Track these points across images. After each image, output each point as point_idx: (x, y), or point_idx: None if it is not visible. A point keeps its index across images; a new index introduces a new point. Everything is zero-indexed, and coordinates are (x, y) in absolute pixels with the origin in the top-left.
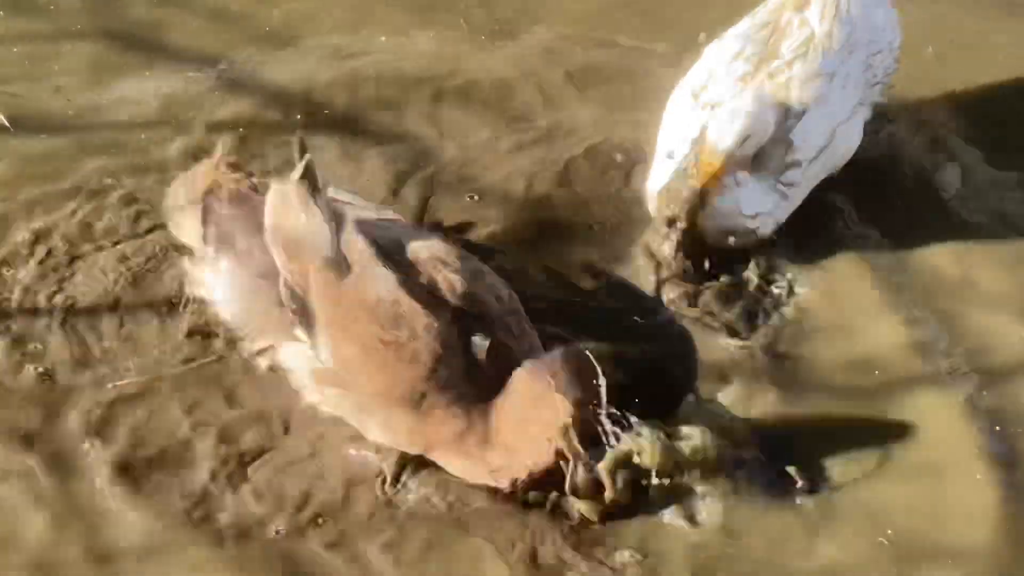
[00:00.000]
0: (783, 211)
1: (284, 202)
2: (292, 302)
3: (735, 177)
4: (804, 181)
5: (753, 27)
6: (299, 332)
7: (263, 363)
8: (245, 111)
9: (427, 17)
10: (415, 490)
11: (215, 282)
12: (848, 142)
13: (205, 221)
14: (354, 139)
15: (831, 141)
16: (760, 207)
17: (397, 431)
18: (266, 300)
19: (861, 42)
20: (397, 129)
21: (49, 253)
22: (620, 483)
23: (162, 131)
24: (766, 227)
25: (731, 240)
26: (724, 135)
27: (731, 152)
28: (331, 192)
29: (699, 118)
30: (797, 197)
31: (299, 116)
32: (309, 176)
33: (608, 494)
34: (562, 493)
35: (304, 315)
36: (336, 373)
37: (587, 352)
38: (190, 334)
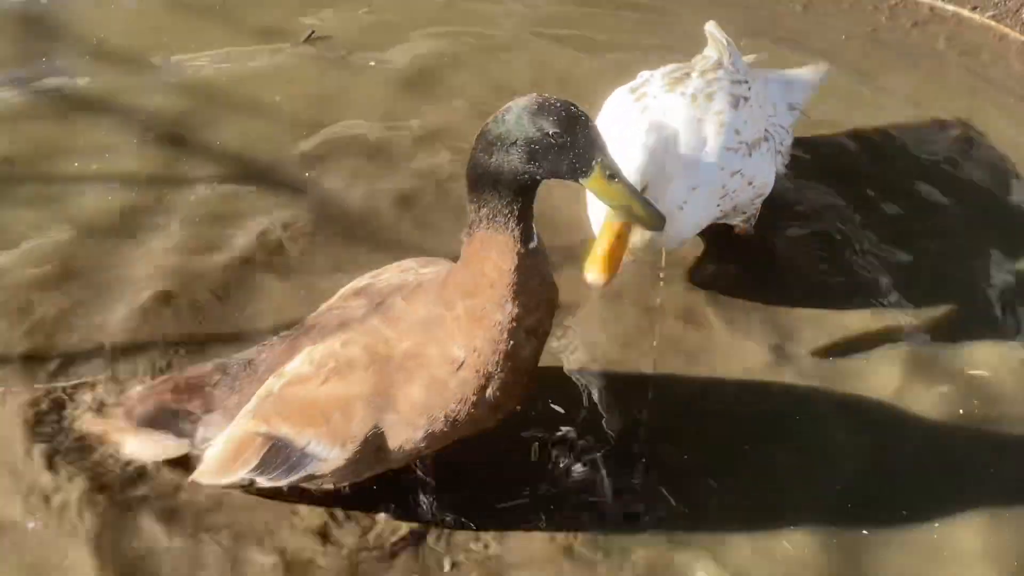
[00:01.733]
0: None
1: None
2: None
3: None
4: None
5: (673, 66)
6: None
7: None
8: None
9: None
10: None
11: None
12: (769, 169)
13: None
14: None
15: (759, 148)
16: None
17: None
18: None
19: (761, 83)
20: None
21: None
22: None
23: None
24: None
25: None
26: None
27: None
28: None
29: (634, 109)
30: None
31: None
32: None
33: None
34: None
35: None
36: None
37: None
38: None
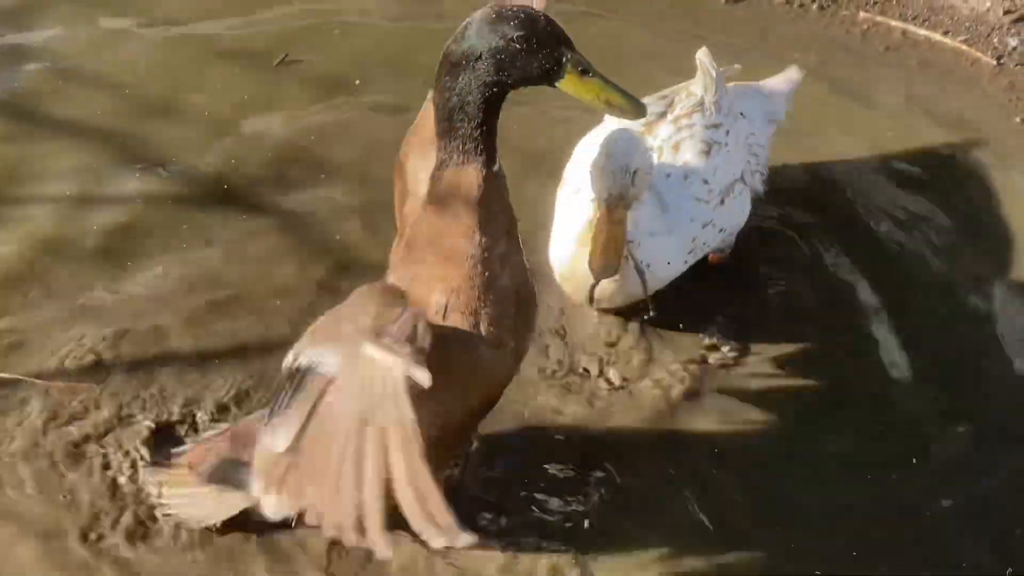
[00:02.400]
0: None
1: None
2: None
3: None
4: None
5: (650, 98)
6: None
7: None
8: None
9: None
10: None
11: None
12: (742, 209)
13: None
14: None
15: (732, 193)
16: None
17: None
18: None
19: (742, 121)
20: None
21: None
22: None
23: None
24: (661, 276)
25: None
26: (614, 178)
27: (625, 186)
28: None
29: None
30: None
31: None
32: None
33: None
34: None
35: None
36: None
37: None
38: None
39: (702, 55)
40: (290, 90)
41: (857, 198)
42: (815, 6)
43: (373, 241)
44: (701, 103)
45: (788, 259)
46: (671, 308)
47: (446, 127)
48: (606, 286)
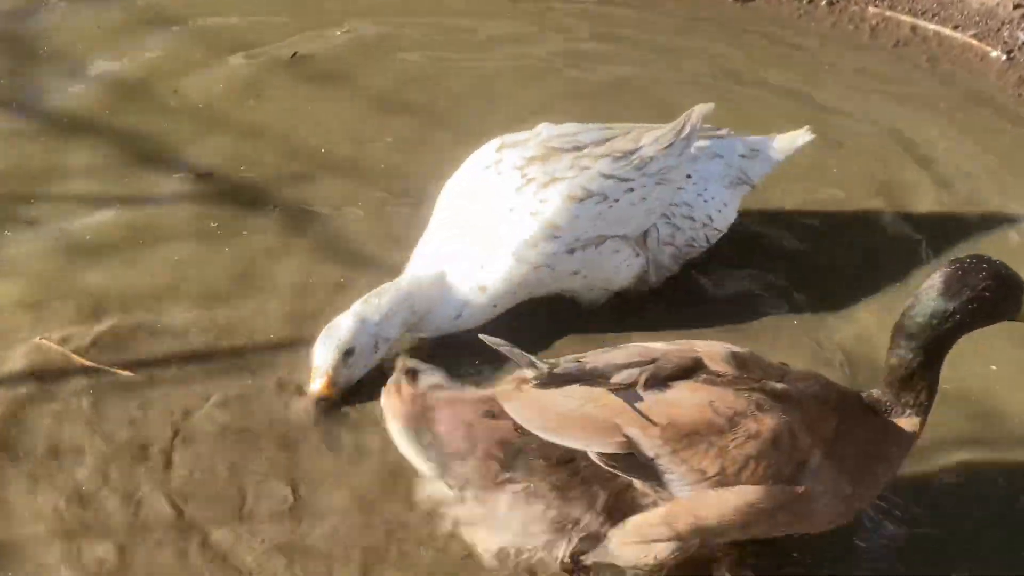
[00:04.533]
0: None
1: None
2: (629, 471)
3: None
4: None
5: (594, 127)
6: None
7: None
8: None
9: None
10: None
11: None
12: (614, 270)
13: (426, 457)
14: None
15: (595, 248)
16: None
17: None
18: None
19: (675, 186)
20: None
21: None
22: None
23: None
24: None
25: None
26: (319, 356)
27: (334, 367)
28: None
29: (486, 169)
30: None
31: None
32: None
33: None
34: None
35: (647, 469)
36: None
37: None
38: None
39: (696, 114)
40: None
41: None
42: (824, 1)
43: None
44: (632, 152)
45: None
46: None
47: (900, 384)
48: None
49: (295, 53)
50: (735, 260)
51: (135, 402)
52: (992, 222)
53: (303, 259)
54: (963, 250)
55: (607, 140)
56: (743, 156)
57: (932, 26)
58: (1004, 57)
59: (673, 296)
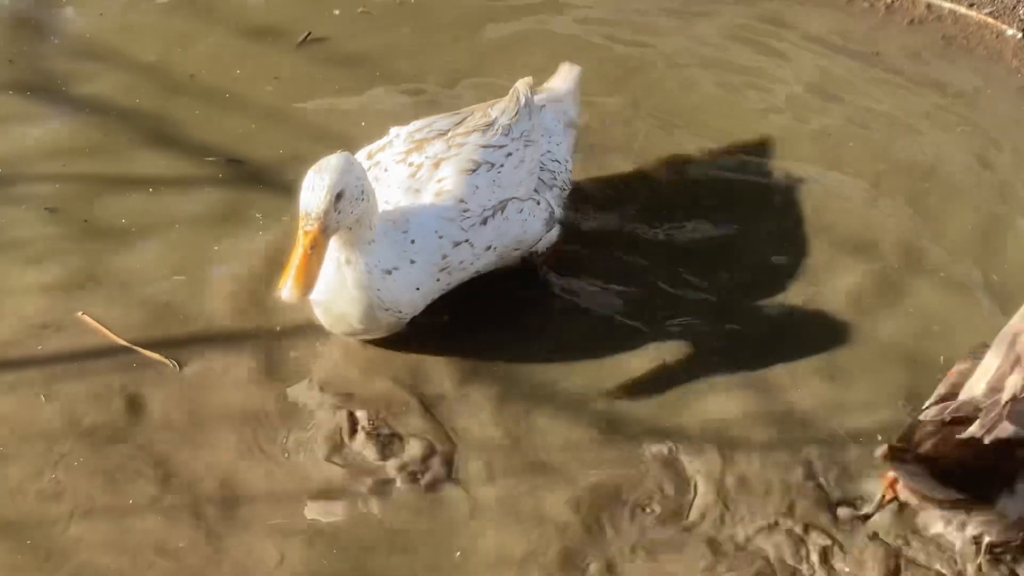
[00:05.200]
0: (431, 282)
1: None
2: None
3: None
4: (471, 252)
5: (442, 116)
6: None
7: None
8: None
9: None
10: None
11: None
12: (523, 227)
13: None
14: None
15: (502, 213)
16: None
17: None
18: None
19: (540, 145)
20: None
21: None
22: None
23: None
24: (410, 308)
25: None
26: (313, 195)
27: (326, 211)
28: None
29: (369, 172)
30: (455, 272)
31: None
32: None
33: None
34: None
35: None
36: None
37: None
38: None
39: (521, 85)
40: None
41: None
42: None
43: None
44: (491, 123)
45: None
46: None
47: None
48: (356, 323)
49: (308, 34)
50: None
51: (168, 386)
52: None
53: None
54: None
55: (463, 121)
56: (558, 101)
57: (947, 4)
58: (1020, 35)
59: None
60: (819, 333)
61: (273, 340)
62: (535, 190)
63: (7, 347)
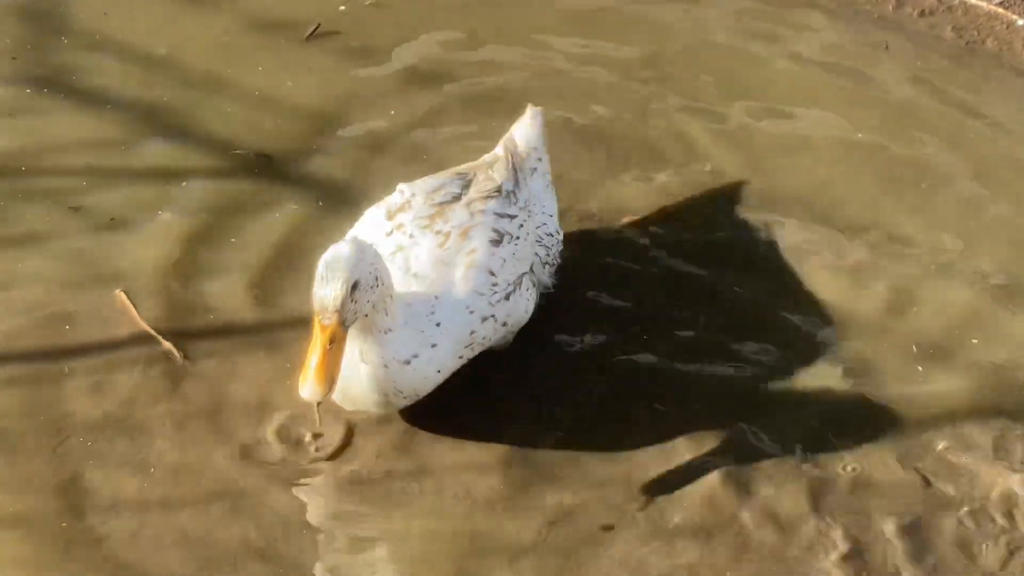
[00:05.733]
0: (433, 365)
1: None
2: None
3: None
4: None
5: (448, 176)
6: None
7: None
8: None
9: None
10: None
11: None
12: (526, 305)
13: None
14: None
15: (519, 288)
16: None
17: None
18: None
19: (535, 212)
20: None
21: None
22: None
23: None
24: (429, 388)
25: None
26: (328, 289)
27: (343, 304)
28: None
29: (387, 247)
30: (448, 352)
31: None
32: None
33: None
34: None
35: None
36: None
37: None
38: None
39: (510, 143)
40: None
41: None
42: None
43: None
44: (499, 189)
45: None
46: None
47: None
48: (372, 408)
49: (317, 26)
50: None
51: (181, 376)
52: None
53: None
54: None
55: (469, 184)
56: (539, 159)
57: None
58: None
59: None
60: None
61: (287, 330)
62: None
63: (23, 339)
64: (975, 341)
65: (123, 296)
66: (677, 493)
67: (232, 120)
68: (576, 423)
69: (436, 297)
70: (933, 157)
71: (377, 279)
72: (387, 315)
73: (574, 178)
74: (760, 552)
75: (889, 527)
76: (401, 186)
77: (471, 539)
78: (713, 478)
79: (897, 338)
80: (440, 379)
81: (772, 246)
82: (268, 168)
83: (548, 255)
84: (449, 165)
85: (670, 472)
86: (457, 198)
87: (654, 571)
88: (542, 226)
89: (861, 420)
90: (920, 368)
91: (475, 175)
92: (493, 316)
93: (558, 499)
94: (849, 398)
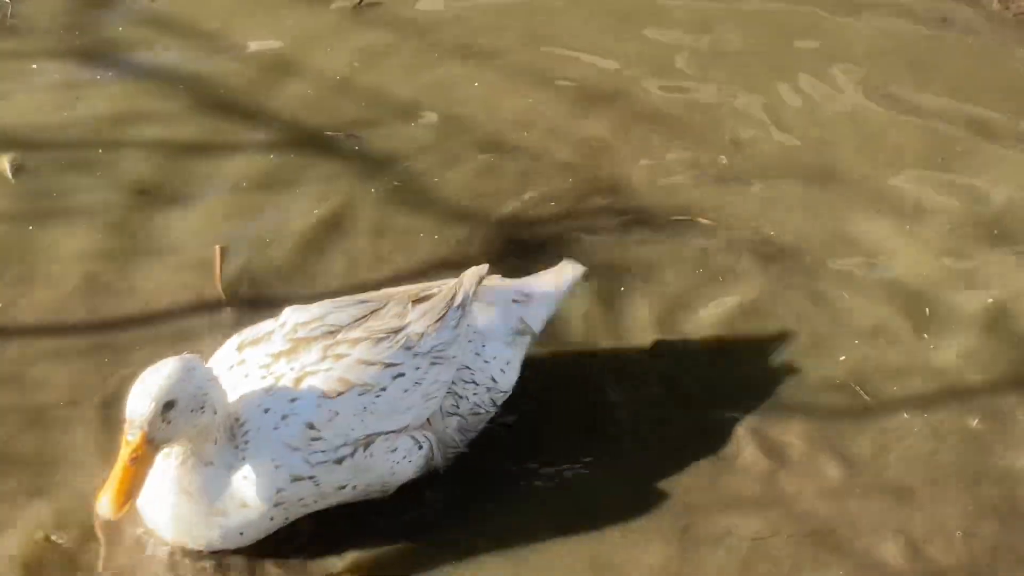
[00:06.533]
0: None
1: None
2: None
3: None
4: (323, 481)
5: (354, 301)
6: None
7: None
8: None
9: None
10: None
11: None
12: (391, 469)
13: None
14: None
15: (365, 450)
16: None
17: None
18: None
19: (455, 363)
20: None
21: None
22: None
23: None
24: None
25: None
26: (138, 403)
27: (150, 422)
28: None
29: (230, 370)
30: (293, 507)
31: None
32: None
33: None
34: None
35: None
36: None
37: None
38: None
39: (468, 279)
40: None
41: None
42: None
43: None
44: (397, 331)
45: None
46: None
47: None
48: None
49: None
50: None
51: None
52: None
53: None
54: None
55: (363, 319)
56: (517, 302)
57: None
58: None
59: None
60: None
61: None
62: (427, 420)
63: (65, 312)
64: None
65: (218, 250)
66: None
67: (280, 93)
68: None
69: (245, 434)
70: None
71: (203, 405)
72: (215, 444)
73: None
74: None
75: None
76: (286, 310)
77: None
78: None
79: None
80: (246, 541)
81: None
82: (309, 143)
83: (457, 407)
84: None
85: None
86: (330, 334)
87: None
88: (464, 370)
89: None
90: None
91: (388, 306)
92: (311, 478)
93: None
94: None
